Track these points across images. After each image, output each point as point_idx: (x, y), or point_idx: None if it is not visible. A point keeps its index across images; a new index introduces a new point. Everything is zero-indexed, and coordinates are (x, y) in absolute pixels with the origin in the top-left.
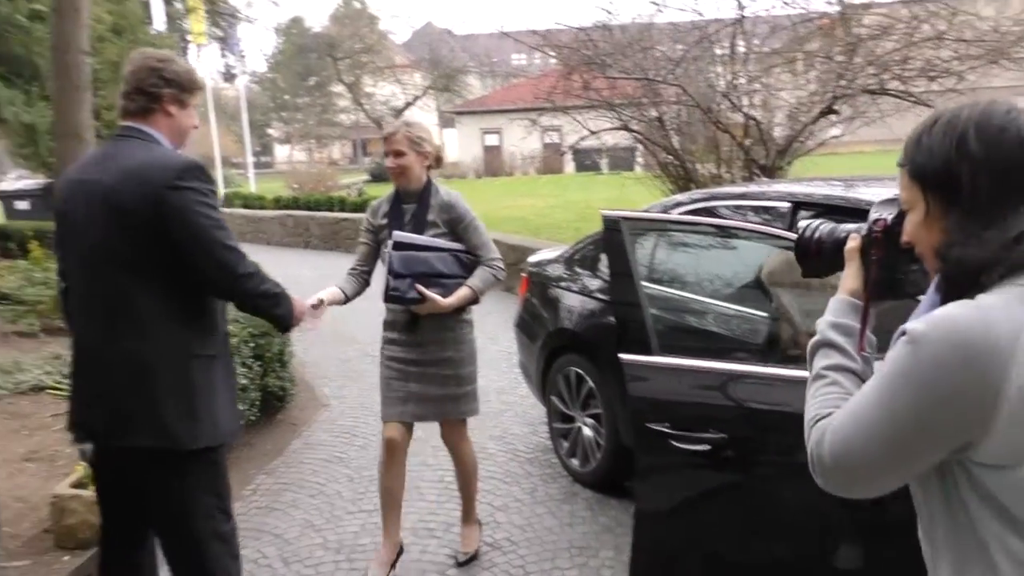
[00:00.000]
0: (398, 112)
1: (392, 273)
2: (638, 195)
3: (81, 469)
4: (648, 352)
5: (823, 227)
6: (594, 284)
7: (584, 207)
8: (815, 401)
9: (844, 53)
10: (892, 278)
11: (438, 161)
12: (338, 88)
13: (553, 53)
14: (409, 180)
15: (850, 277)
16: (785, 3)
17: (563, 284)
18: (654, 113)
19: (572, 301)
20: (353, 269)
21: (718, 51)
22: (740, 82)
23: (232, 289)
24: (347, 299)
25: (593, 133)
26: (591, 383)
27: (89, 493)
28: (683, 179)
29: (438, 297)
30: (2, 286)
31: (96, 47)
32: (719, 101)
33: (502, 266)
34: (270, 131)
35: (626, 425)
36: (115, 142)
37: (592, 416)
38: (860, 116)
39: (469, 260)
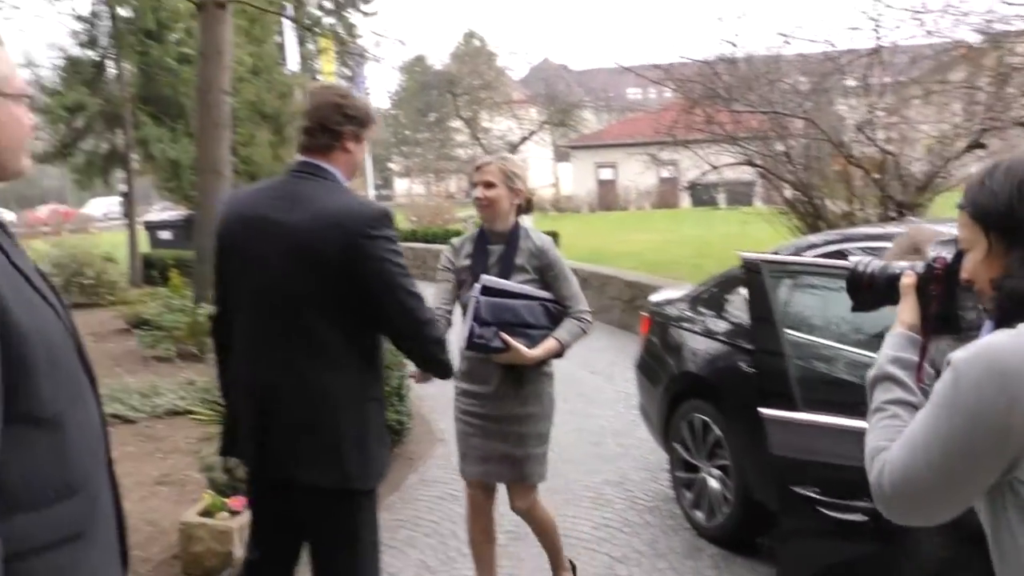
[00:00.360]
0: (514, 147)
1: (477, 319)
2: (760, 232)
3: (209, 497)
4: (792, 407)
5: (875, 263)
6: (721, 327)
7: (701, 243)
8: (875, 434)
9: (993, 83)
10: (950, 314)
11: (528, 204)
12: (456, 123)
13: (675, 87)
14: (495, 215)
15: (906, 311)
16: (928, 32)
17: (687, 325)
18: (780, 147)
19: (697, 344)
20: (437, 309)
21: (850, 83)
22: (878, 115)
23: (415, 335)
24: None
25: (715, 168)
26: (718, 432)
27: (215, 522)
28: (811, 216)
29: (524, 348)
30: (143, 312)
31: (236, 87)
32: (851, 135)
33: (590, 319)
34: (391, 165)
35: (758, 479)
36: (296, 180)
37: (719, 467)
38: (1011, 151)
39: (557, 311)
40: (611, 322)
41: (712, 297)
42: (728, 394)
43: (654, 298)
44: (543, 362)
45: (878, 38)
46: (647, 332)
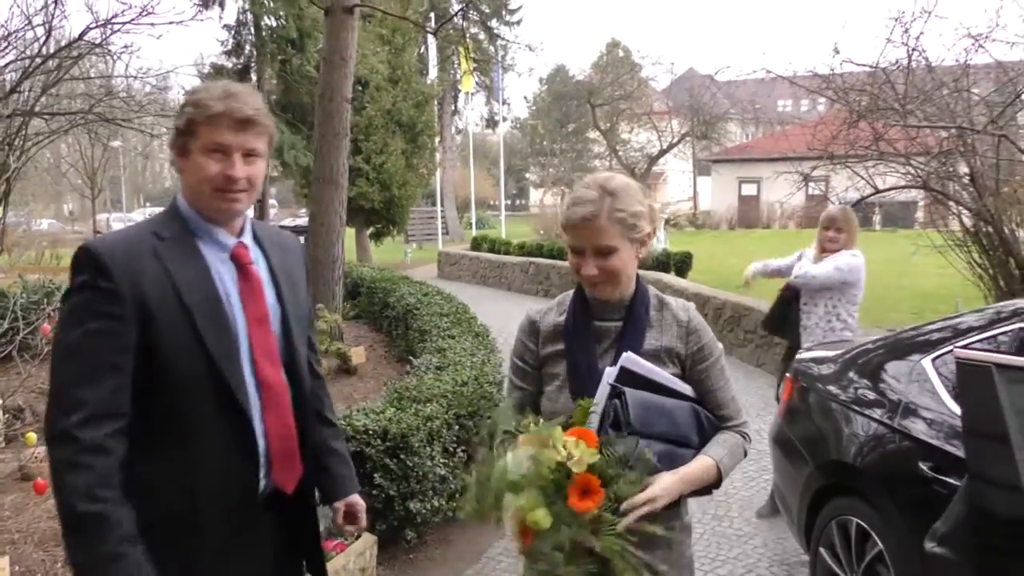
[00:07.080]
0: (652, 159)
1: (617, 425)
2: (928, 263)
3: None
4: None
5: None
6: (892, 408)
7: None
8: None
9: None
10: None
11: (650, 237)
12: (594, 134)
13: (835, 98)
14: (619, 288)
15: None
16: None
17: (843, 398)
18: (964, 169)
19: (859, 426)
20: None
21: None
22: None
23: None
24: None
25: (878, 192)
26: (880, 546)
27: None
28: (997, 250)
29: (666, 475)
30: None
31: (372, 95)
32: None
33: (749, 432)
34: (528, 175)
35: None
36: None
37: None
38: None
39: (709, 421)
40: (745, 360)
41: (879, 363)
42: (899, 501)
43: (804, 355)
44: (676, 503)
45: None
46: (788, 396)
